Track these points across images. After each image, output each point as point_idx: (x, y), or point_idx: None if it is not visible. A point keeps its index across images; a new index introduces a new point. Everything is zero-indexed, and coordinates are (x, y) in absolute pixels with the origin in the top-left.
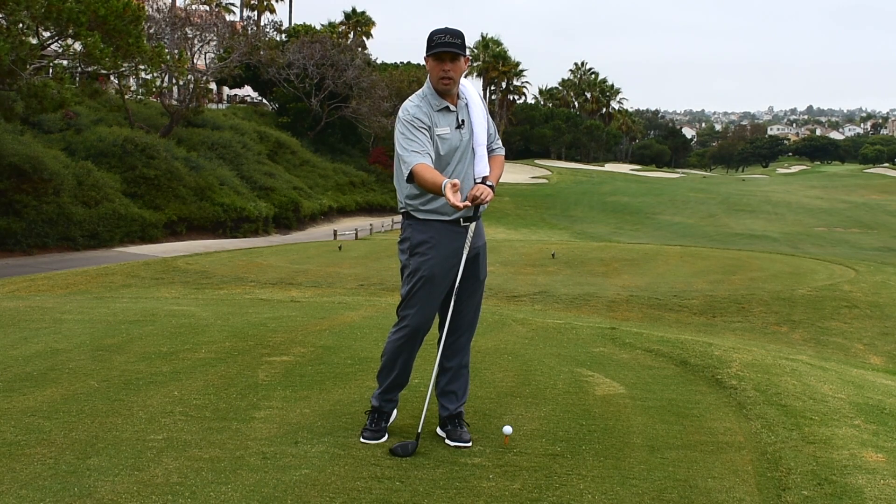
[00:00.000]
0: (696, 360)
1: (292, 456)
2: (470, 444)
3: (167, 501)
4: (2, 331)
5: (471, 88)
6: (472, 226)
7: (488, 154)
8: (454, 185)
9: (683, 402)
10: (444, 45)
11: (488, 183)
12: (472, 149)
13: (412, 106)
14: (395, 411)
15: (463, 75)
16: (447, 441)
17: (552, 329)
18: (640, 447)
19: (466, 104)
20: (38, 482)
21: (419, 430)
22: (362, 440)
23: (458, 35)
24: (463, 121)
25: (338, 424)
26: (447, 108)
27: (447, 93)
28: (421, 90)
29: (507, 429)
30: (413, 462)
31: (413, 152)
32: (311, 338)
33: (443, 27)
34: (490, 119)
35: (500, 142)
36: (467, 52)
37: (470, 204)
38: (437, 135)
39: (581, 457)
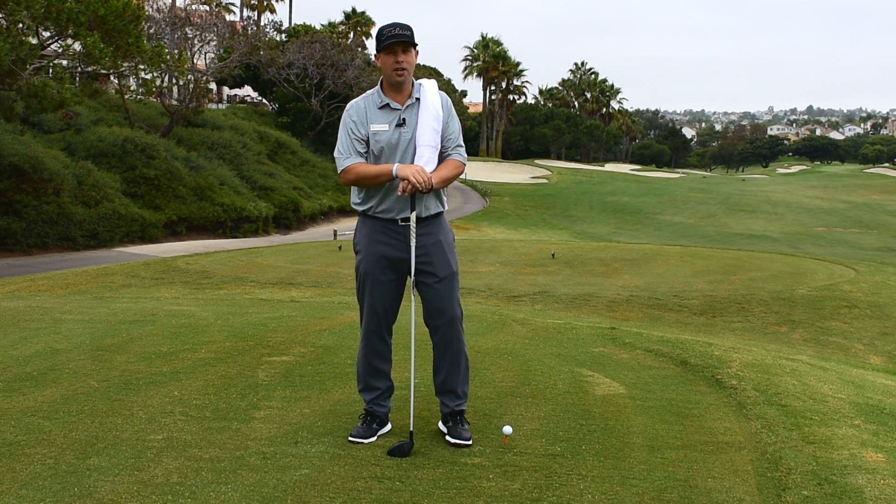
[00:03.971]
0: (696, 360)
1: (292, 456)
2: (470, 442)
3: (167, 501)
4: (2, 331)
5: (430, 90)
6: (412, 224)
7: (442, 157)
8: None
9: (683, 402)
10: (395, 36)
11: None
12: (414, 149)
13: (351, 106)
14: (389, 423)
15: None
16: (447, 438)
17: (552, 329)
18: (640, 447)
19: (417, 102)
20: (38, 482)
21: (411, 429)
22: (350, 438)
23: (408, 27)
24: (404, 119)
25: (338, 424)
26: (388, 106)
27: (401, 85)
28: (371, 90)
29: (507, 429)
30: (413, 462)
31: (347, 155)
32: (311, 338)
33: (391, 22)
34: (454, 124)
35: (460, 149)
36: (468, 53)
37: (405, 190)
38: (372, 130)
39: (581, 457)
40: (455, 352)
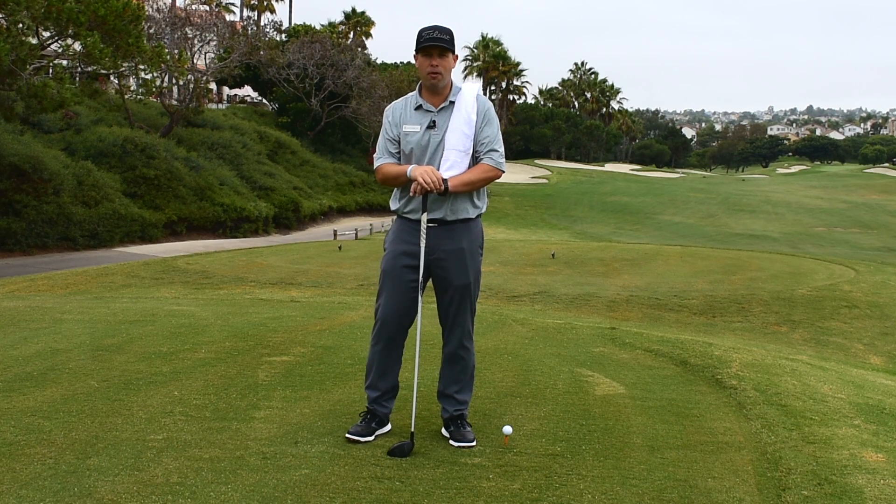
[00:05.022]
0: (696, 360)
1: (292, 456)
2: (474, 443)
3: (167, 501)
4: (2, 331)
5: (468, 94)
6: (423, 225)
7: (475, 161)
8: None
9: (683, 402)
10: (432, 39)
11: (444, 178)
12: (443, 151)
13: (390, 107)
14: (389, 424)
15: (455, 73)
16: (451, 442)
17: (552, 329)
18: (640, 447)
19: (452, 106)
20: (38, 482)
21: (412, 429)
22: (347, 435)
23: (447, 31)
24: (435, 122)
25: (338, 424)
26: (422, 108)
27: (435, 88)
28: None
29: (507, 429)
30: (413, 462)
31: (380, 156)
32: (311, 338)
33: (432, 25)
34: (488, 129)
35: (494, 154)
36: (468, 53)
37: (416, 191)
38: (403, 130)
39: (581, 457)
40: (458, 359)
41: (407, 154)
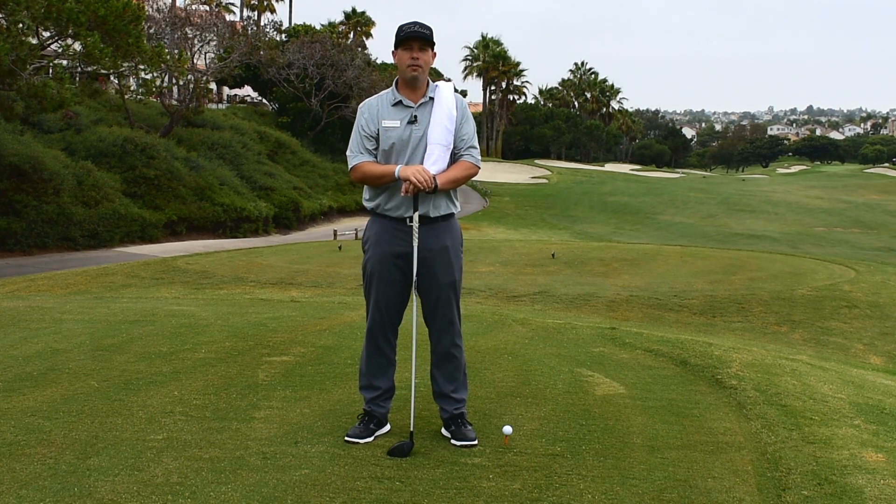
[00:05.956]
0: (696, 360)
1: (292, 456)
2: (475, 441)
3: (167, 501)
4: (2, 331)
5: (446, 91)
6: (415, 224)
7: (454, 159)
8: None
9: (683, 402)
10: (413, 32)
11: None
12: (425, 146)
13: (364, 104)
14: (388, 424)
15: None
16: (452, 441)
17: (552, 329)
18: (640, 447)
19: (431, 101)
20: (38, 482)
21: (412, 429)
22: (346, 438)
23: (427, 27)
24: (416, 117)
25: (338, 424)
26: (401, 103)
27: (414, 82)
28: (387, 89)
29: (507, 429)
30: (413, 462)
31: (356, 154)
32: (311, 338)
33: (411, 21)
34: (467, 126)
35: (473, 151)
36: (468, 53)
37: (408, 191)
38: (383, 126)
39: (581, 457)
40: (451, 358)
41: (386, 150)
